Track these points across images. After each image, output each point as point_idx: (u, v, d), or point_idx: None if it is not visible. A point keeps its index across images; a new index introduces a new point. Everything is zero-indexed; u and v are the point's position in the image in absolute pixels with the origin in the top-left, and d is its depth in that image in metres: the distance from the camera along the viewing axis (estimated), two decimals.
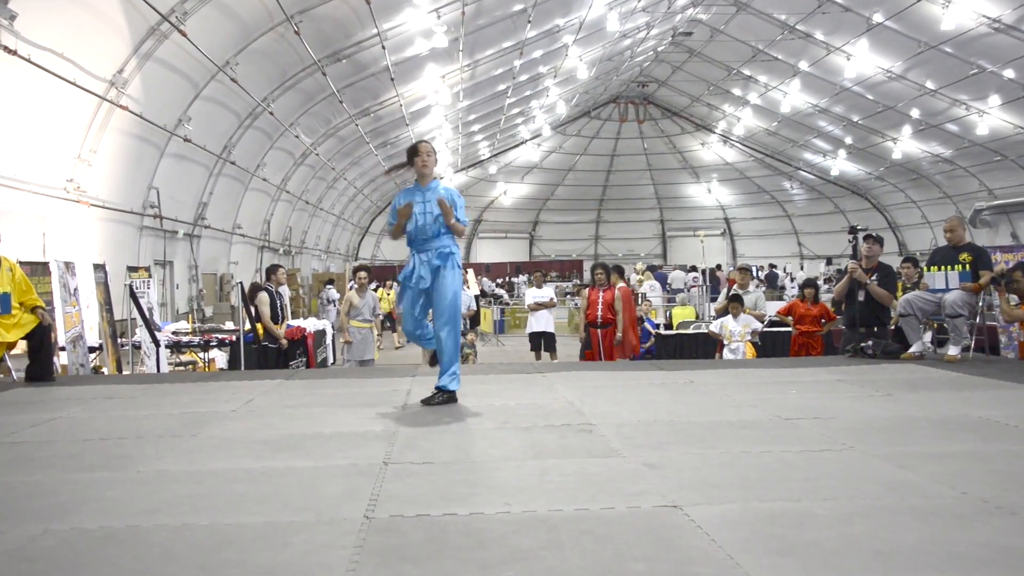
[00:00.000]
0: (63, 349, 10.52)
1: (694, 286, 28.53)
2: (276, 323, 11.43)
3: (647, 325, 14.97)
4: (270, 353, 11.46)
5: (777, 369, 8.42)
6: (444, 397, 6.27)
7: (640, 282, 25.48)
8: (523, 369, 8.99)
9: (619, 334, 11.19)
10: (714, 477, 4.09)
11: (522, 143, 45.26)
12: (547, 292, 15.07)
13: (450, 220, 6.03)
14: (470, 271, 15.70)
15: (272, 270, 11.98)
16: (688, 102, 42.68)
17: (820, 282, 26.49)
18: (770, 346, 12.72)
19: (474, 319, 14.81)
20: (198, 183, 20.33)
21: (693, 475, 4.13)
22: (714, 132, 45.43)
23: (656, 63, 38.87)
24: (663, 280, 30.89)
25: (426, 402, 6.25)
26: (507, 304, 30.25)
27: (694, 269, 32.38)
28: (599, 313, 11.28)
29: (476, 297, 15.91)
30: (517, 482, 4.05)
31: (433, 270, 6.14)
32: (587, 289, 11.73)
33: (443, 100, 25.75)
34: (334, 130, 25.98)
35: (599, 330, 11.29)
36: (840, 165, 40.97)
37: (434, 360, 6.49)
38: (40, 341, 8.32)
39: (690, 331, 15.33)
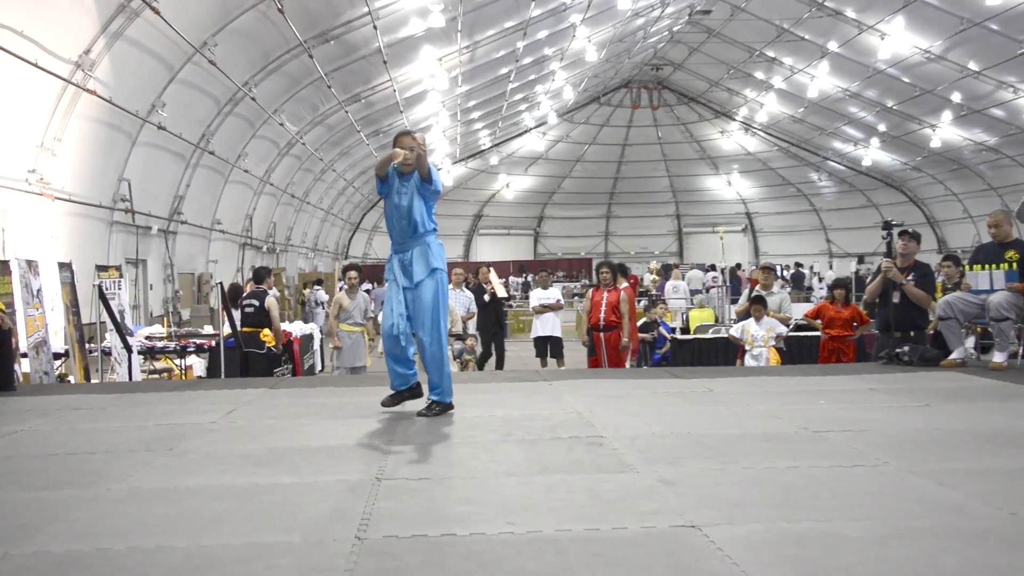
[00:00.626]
0: (25, 356, 10.52)
1: (713, 286, 28.50)
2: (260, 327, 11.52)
3: (662, 329, 14.96)
4: (255, 360, 11.51)
5: (804, 377, 8.41)
6: (439, 408, 6.29)
7: (655, 282, 25.45)
8: (527, 377, 8.99)
9: (625, 338, 11.22)
10: (736, 495, 4.07)
11: (526, 132, 45.29)
12: (553, 293, 15.08)
13: (424, 169, 6.03)
14: (492, 271, 15.63)
15: (265, 273, 12.15)
16: (706, 87, 42.66)
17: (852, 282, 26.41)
18: (796, 352, 12.69)
19: (489, 324, 14.70)
20: (173, 175, 20.34)
21: (713, 492, 4.12)
22: (735, 119, 45.40)
23: (671, 44, 38.86)
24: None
25: (421, 414, 6.27)
26: (509, 306, 30.19)
27: (713, 268, 32.37)
28: (601, 316, 11.34)
29: (501, 300, 15.74)
30: (521, 499, 4.04)
31: (412, 275, 6.19)
32: (591, 290, 11.79)
33: (440, 85, 25.76)
34: (322, 118, 25.99)
35: (602, 334, 11.33)
36: (873, 155, 40.94)
37: (392, 401, 6.44)
38: None
39: (708, 335, 15.31)
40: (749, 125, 45.24)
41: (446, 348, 6.30)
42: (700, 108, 46.08)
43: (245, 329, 11.71)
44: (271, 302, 11.69)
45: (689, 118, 46.88)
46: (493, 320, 14.97)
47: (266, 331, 11.65)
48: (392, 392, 6.48)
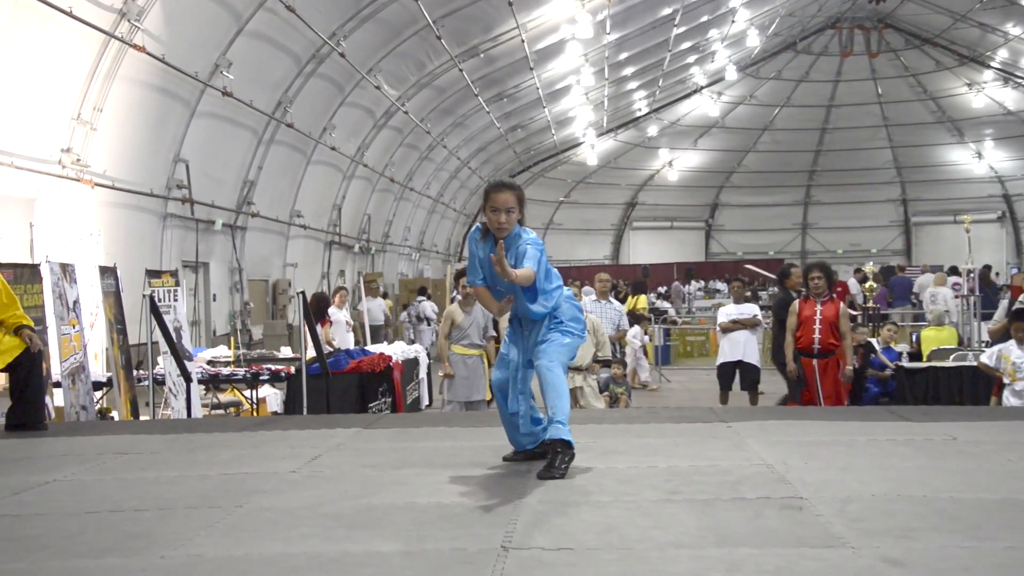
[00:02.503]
0: (58, 385, 10.92)
1: (956, 296, 27.68)
2: None
3: (881, 355, 14.63)
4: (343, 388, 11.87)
5: None
6: (568, 455, 6.09)
7: (871, 290, 24.82)
8: (699, 416, 8.88)
9: (847, 366, 10.97)
10: None
11: (695, 92, 44.94)
12: (750, 309, 15.02)
13: (508, 277, 5.88)
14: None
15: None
16: (948, 23, 41.44)
17: None
18: None
19: None
20: (242, 154, 20.93)
21: None
22: (989, 66, 43.90)
23: None
24: (907, 288, 30.05)
25: (546, 474, 6.01)
26: (675, 322, 29.96)
27: (955, 272, 31.41)
28: (815, 337, 11.05)
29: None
30: None
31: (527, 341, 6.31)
32: (797, 302, 11.55)
33: (583, 33, 25.81)
34: (429, 78, 26.36)
35: (816, 361, 11.08)
36: None
37: (517, 457, 6.49)
38: (27, 374, 8.54)
39: (949, 363, 14.87)
40: (1011, 74, 43.64)
41: (564, 370, 6.19)
42: (938, 53, 44.63)
43: None
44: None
45: (922, 67, 45.51)
46: None
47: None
48: (516, 451, 6.55)
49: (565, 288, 6.43)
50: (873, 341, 15.26)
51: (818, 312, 11.13)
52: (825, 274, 11.37)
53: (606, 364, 12.70)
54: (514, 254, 6.05)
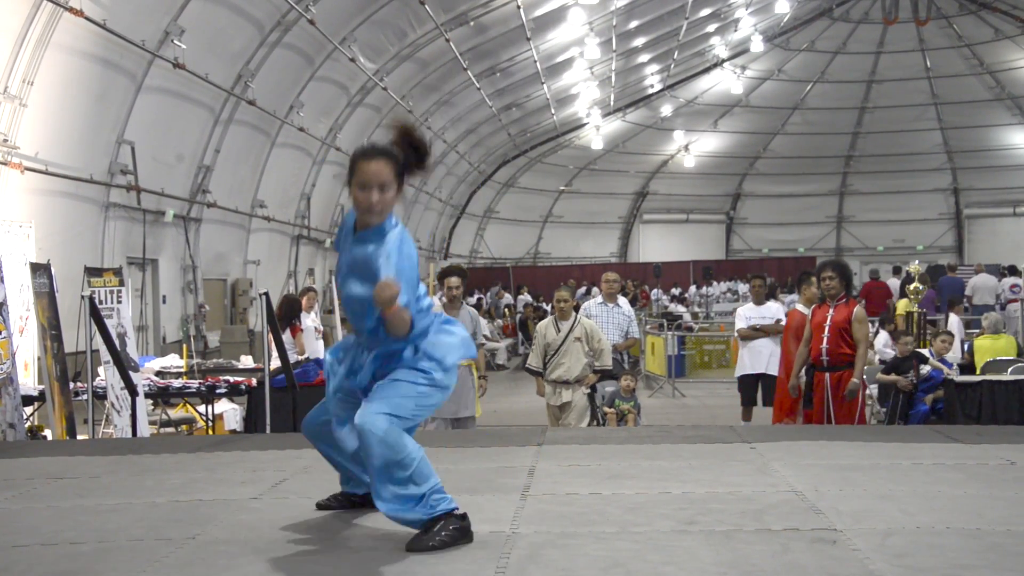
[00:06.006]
0: None
1: (1013, 299, 27.78)
2: None
3: (935, 362, 14.65)
4: None
5: None
6: (451, 527, 5.19)
7: (916, 292, 24.92)
8: (718, 436, 8.90)
9: (855, 379, 10.88)
10: None
11: (715, 66, 44.95)
12: (773, 310, 14.92)
13: (389, 311, 4.89)
14: None
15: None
16: None
17: None
18: None
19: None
20: (197, 135, 20.89)
21: None
22: None
23: None
24: (958, 290, 30.08)
25: (418, 547, 5.11)
26: (691, 328, 29.91)
27: (1014, 271, 31.51)
28: (824, 347, 11.02)
29: None
30: None
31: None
32: (812, 308, 11.57)
33: None
34: (411, 49, 26.35)
35: (827, 375, 11.05)
36: None
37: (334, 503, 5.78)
38: None
39: (1007, 376, 14.90)
40: None
41: (397, 437, 5.07)
42: (998, 19, 44.44)
43: None
44: None
45: (978, 35, 45.35)
46: None
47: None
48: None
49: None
50: (925, 351, 15.25)
51: (829, 318, 11.04)
52: (839, 273, 11.29)
53: (609, 376, 12.67)
54: (366, 252, 5.19)
